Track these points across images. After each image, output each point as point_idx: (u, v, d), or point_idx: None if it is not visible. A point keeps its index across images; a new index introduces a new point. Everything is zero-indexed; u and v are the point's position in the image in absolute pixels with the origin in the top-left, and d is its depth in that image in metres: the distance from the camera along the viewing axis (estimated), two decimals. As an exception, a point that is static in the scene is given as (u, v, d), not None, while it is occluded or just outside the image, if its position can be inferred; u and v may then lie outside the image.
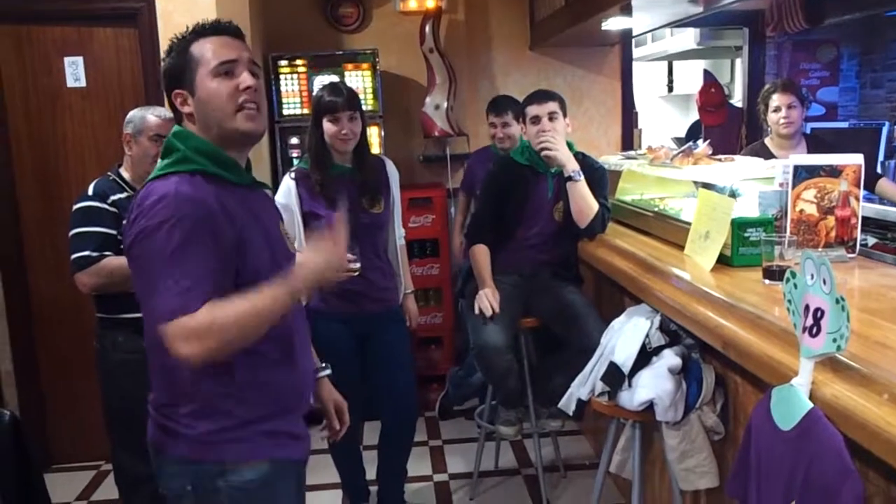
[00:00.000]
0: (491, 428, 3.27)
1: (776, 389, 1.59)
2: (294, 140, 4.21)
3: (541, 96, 3.02)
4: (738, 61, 6.04)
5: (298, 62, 4.27)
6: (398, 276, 3.00)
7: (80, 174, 3.49)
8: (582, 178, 2.92)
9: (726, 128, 5.66)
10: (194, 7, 3.31)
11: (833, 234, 2.34)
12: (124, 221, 2.41)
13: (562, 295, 3.04)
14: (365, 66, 4.29)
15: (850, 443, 1.38)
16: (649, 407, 2.22)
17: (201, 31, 1.57)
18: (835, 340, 1.43)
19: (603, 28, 3.92)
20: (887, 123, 4.72)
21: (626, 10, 3.45)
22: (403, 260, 3.06)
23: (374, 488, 3.15)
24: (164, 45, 3.35)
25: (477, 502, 3.36)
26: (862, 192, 2.36)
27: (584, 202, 2.93)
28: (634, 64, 5.09)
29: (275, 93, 4.21)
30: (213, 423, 1.52)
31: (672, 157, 3.09)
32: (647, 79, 7.36)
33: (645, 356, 2.27)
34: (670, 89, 7.56)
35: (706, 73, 6.25)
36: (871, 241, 2.55)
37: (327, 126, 2.72)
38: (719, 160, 2.93)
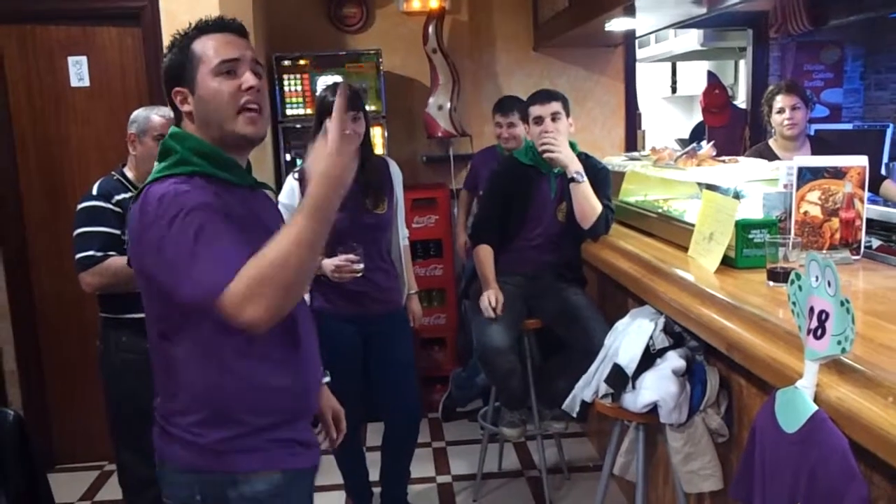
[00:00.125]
0: (494, 429, 3.27)
1: (781, 392, 1.59)
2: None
3: (543, 96, 3.01)
4: (742, 62, 6.03)
5: (301, 62, 4.27)
6: (401, 277, 3.00)
7: (84, 174, 3.50)
8: (585, 179, 2.91)
9: (730, 129, 5.66)
10: (197, 6, 3.30)
11: (837, 235, 2.33)
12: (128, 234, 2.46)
13: (565, 296, 3.04)
14: (368, 66, 4.29)
15: (854, 445, 1.38)
16: (653, 409, 2.22)
17: (204, 27, 1.52)
18: (839, 343, 1.42)
19: (606, 29, 3.91)
20: (891, 125, 4.71)
21: (630, 10, 3.45)
22: (407, 261, 3.06)
23: (377, 490, 3.14)
24: (167, 45, 3.40)
25: (480, 504, 3.36)
26: (866, 194, 2.35)
27: (587, 203, 2.93)
28: (638, 65, 5.08)
29: (278, 93, 4.21)
30: (224, 431, 1.47)
31: (676, 158, 3.08)
32: (650, 80, 7.36)
33: (649, 358, 2.27)
34: (674, 90, 7.55)
35: (710, 74, 6.25)
36: (876, 243, 2.54)
37: (331, 126, 2.72)
38: (723, 161, 2.92)
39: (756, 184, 2.59)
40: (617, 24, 3.83)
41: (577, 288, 3.11)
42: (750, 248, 2.33)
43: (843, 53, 5.40)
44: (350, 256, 2.63)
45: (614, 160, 3.67)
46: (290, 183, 2.81)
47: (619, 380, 2.29)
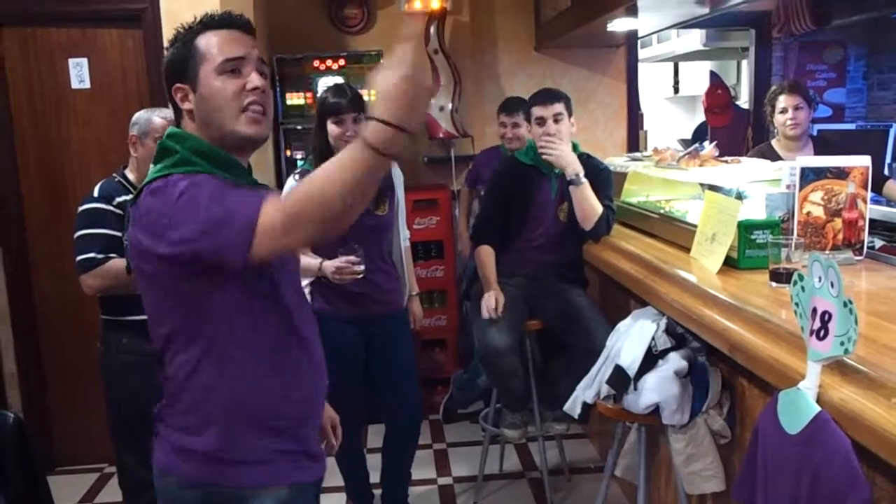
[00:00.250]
0: (495, 431, 3.26)
1: (783, 393, 1.58)
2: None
3: (546, 97, 3.00)
4: (745, 63, 6.02)
5: (302, 63, 4.26)
6: (402, 279, 2.99)
7: (85, 176, 3.50)
8: (584, 181, 2.90)
9: (732, 129, 5.65)
10: (199, 7, 3.27)
11: (840, 236, 2.32)
12: (128, 234, 2.45)
13: (567, 297, 3.03)
14: (370, 67, 4.28)
15: (857, 447, 1.37)
16: (655, 410, 2.21)
17: (209, 22, 1.46)
18: (842, 343, 1.41)
19: (609, 29, 3.91)
20: (895, 125, 4.69)
21: (632, 11, 3.44)
22: (408, 262, 3.06)
23: (378, 492, 3.13)
24: (170, 39, 3.40)
25: (481, 505, 3.35)
26: (869, 195, 2.34)
27: (587, 205, 2.92)
28: (640, 65, 5.08)
29: (279, 94, 4.21)
30: (231, 443, 1.43)
31: (678, 158, 3.07)
32: (652, 80, 7.34)
33: (651, 359, 2.26)
34: (676, 91, 7.54)
35: (712, 74, 6.24)
36: (879, 243, 2.53)
37: (331, 127, 2.72)
38: (726, 162, 2.91)
39: (759, 184, 2.58)
40: (619, 25, 3.83)
41: (578, 289, 3.10)
42: (752, 248, 2.32)
43: (845, 53, 5.38)
44: (351, 258, 2.63)
45: (616, 161, 3.66)
46: (291, 184, 2.81)
47: (621, 381, 2.28)
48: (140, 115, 2.56)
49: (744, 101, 5.95)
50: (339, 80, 4.04)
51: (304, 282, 2.62)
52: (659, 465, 2.72)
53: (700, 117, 6.62)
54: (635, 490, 2.48)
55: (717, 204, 2.49)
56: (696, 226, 2.61)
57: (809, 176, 2.31)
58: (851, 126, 5.18)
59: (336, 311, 2.78)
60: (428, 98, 1.26)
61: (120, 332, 2.52)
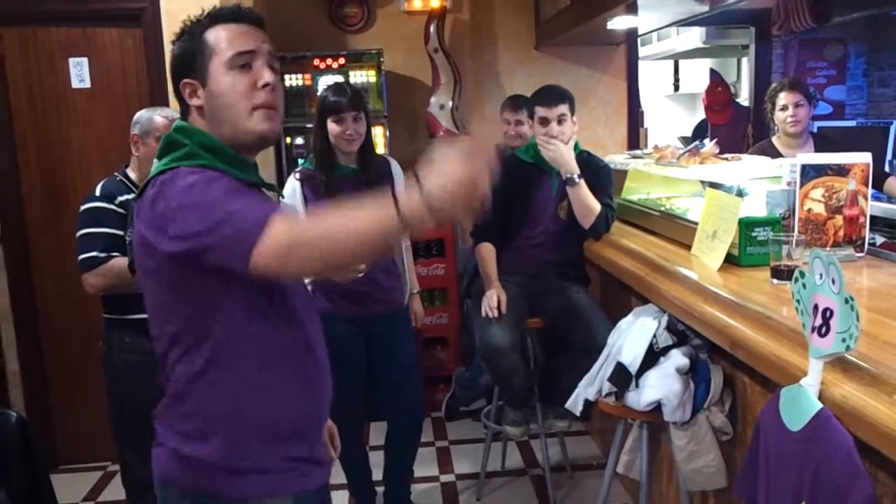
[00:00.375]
0: (497, 428, 3.26)
1: (785, 390, 1.58)
2: (299, 140, 4.21)
3: (550, 98, 2.97)
4: (745, 60, 6.01)
5: (303, 62, 4.26)
6: (403, 277, 2.99)
7: (86, 175, 3.50)
8: (581, 180, 2.90)
9: (733, 127, 5.65)
10: (199, 7, 3.30)
11: (841, 233, 2.32)
12: (129, 226, 2.45)
13: (568, 295, 3.03)
14: (370, 66, 4.28)
15: (859, 443, 1.37)
16: (657, 407, 2.21)
17: (218, 15, 1.42)
18: (844, 340, 1.41)
19: (608, 27, 3.91)
20: (895, 122, 4.69)
21: (632, 8, 3.44)
22: (409, 260, 3.06)
23: (380, 489, 3.14)
24: (168, 46, 3.39)
25: (483, 503, 3.35)
26: (870, 191, 2.34)
27: (585, 204, 2.92)
28: (640, 63, 5.08)
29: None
30: (235, 452, 1.39)
31: (678, 156, 3.07)
32: (653, 78, 7.33)
33: (652, 356, 2.26)
34: (676, 88, 7.53)
35: (712, 72, 6.23)
36: (880, 240, 2.54)
37: (332, 126, 2.72)
38: (726, 159, 2.91)
39: (759, 181, 2.58)
40: (619, 22, 3.83)
41: (579, 286, 3.10)
42: (753, 245, 2.32)
43: (846, 50, 5.39)
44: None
45: (617, 158, 3.67)
46: (292, 183, 2.81)
47: (623, 378, 2.28)
48: (142, 115, 2.57)
49: (744, 98, 5.95)
50: (339, 78, 4.04)
51: (305, 280, 2.62)
52: (661, 462, 2.72)
53: (700, 115, 6.62)
54: (637, 487, 2.48)
55: (717, 201, 2.49)
56: (696, 223, 2.61)
57: (810, 173, 2.31)
58: (852, 123, 5.18)
59: (337, 310, 2.78)
60: (475, 207, 1.23)
61: (122, 331, 2.53)
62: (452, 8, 4.61)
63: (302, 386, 1.47)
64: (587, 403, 2.49)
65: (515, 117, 3.74)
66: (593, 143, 4.37)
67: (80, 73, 3.57)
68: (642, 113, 5.20)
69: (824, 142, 3.61)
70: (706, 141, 3.15)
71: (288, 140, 4.25)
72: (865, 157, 2.31)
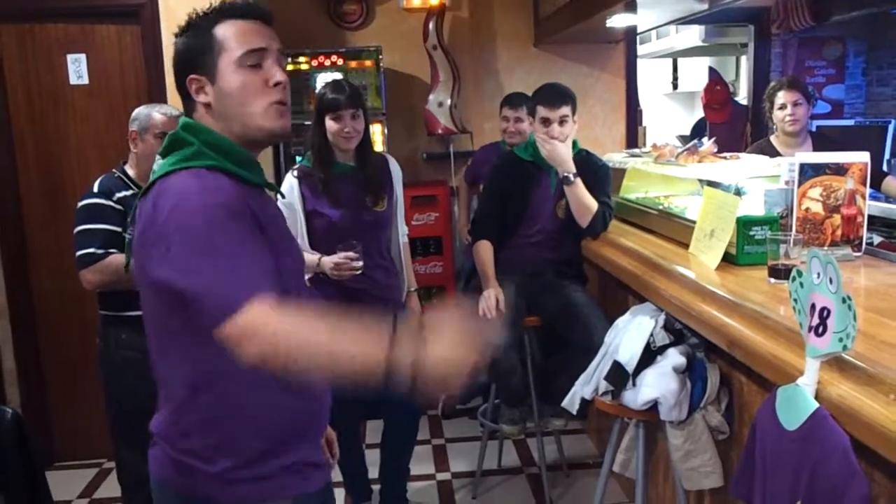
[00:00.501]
0: (494, 427, 3.26)
1: (781, 389, 1.58)
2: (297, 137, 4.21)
3: (553, 99, 2.94)
4: (744, 59, 6.01)
5: (301, 59, 4.26)
6: (401, 275, 2.99)
7: (83, 172, 3.50)
8: (577, 179, 2.89)
9: (731, 125, 5.65)
10: (197, 3, 3.29)
11: (839, 232, 2.32)
12: (130, 225, 2.44)
13: (565, 293, 3.03)
14: (368, 63, 4.28)
15: (855, 443, 1.37)
16: (653, 406, 2.21)
17: (228, 10, 1.39)
18: (841, 340, 1.41)
19: (607, 25, 3.90)
20: (893, 121, 4.68)
21: (631, 6, 3.44)
22: (406, 258, 3.05)
23: (376, 487, 3.14)
24: (166, 42, 3.40)
25: (480, 501, 3.35)
26: (868, 191, 2.34)
27: (582, 203, 2.91)
28: (639, 61, 5.07)
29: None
30: (234, 457, 1.36)
31: (677, 154, 3.07)
32: (651, 76, 7.33)
33: (649, 355, 2.26)
34: (675, 87, 7.53)
35: (711, 70, 6.23)
36: (877, 239, 2.54)
37: (330, 124, 2.71)
38: (724, 158, 2.91)
39: (757, 180, 2.58)
40: (618, 20, 3.82)
41: (577, 285, 3.10)
42: (751, 244, 2.32)
43: (844, 49, 5.38)
44: (349, 254, 2.62)
45: (615, 157, 3.66)
46: (290, 180, 2.80)
47: (620, 377, 2.28)
48: (140, 111, 2.56)
49: (742, 97, 5.95)
50: (338, 76, 4.03)
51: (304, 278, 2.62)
52: (657, 461, 2.72)
53: (699, 113, 6.62)
54: (633, 486, 2.48)
55: (715, 200, 2.49)
56: (694, 222, 2.61)
57: (808, 172, 2.31)
58: (850, 122, 5.17)
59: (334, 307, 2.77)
60: (458, 385, 1.21)
61: (119, 328, 2.52)
62: (451, 5, 4.61)
63: (305, 393, 1.44)
64: (584, 402, 2.49)
65: (515, 114, 3.74)
66: (592, 142, 4.37)
67: (78, 69, 3.57)
68: (641, 111, 5.20)
69: (823, 141, 3.61)
70: (704, 139, 3.14)
71: (286, 137, 4.24)
72: (864, 157, 2.31)
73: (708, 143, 3.03)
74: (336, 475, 3.12)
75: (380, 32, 4.62)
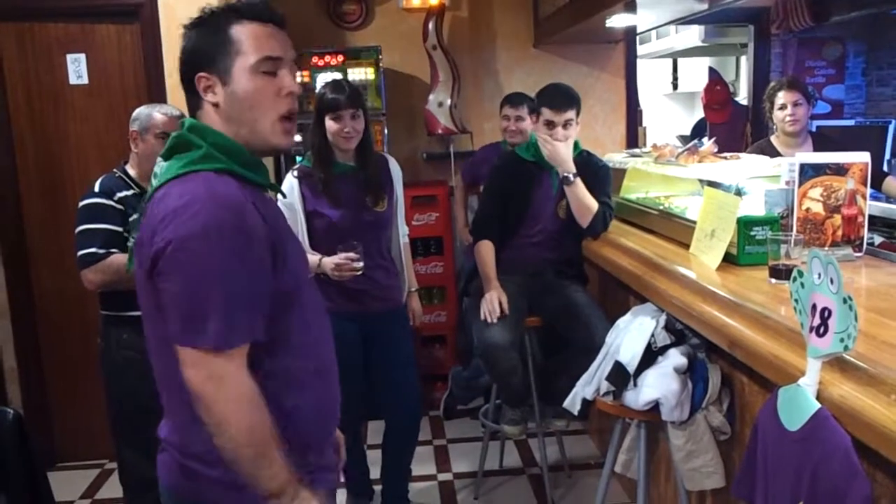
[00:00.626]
0: (495, 427, 3.26)
1: (783, 389, 1.58)
2: (297, 138, 4.20)
3: (559, 102, 2.92)
4: (744, 59, 6.01)
5: (301, 59, 4.25)
6: (402, 275, 2.99)
7: (83, 171, 3.49)
8: (577, 179, 2.89)
9: (731, 126, 5.65)
10: (197, 2, 3.28)
11: (840, 232, 2.32)
12: (131, 219, 2.44)
13: (566, 294, 3.03)
14: (368, 63, 4.27)
15: (857, 443, 1.37)
16: (655, 407, 2.21)
17: (246, 11, 1.36)
18: (842, 340, 1.41)
19: (607, 25, 3.90)
20: (894, 121, 4.68)
21: (631, 7, 3.44)
22: (407, 258, 3.05)
23: (378, 488, 3.14)
24: (166, 41, 3.40)
25: (481, 502, 3.35)
26: (868, 191, 2.34)
27: (582, 203, 2.91)
28: (639, 61, 5.07)
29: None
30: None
31: (677, 155, 3.07)
32: (651, 76, 7.33)
33: (650, 355, 2.26)
34: (675, 87, 7.53)
35: (711, 70, 6.23)
36: (878, 239, 2.54)
37: (330, 124, 2.71)
38: (725, 158, 2.91)
39: (758, 180, 2.58)
40: (618, 21, 3.82)
41: (578, 285, 3.10)
42: (752, 245, 2.32)
43: (844, 49, 5.38)
44: (350, 255, 2.62)
45: (615, 157, 3.66)
46: (290, 181, 2.80)
47: (621, 377, 2.28)
48: (141, 111, 2.56)
49: (742, 97, 5.95)
50: (338, 76, 4.03)
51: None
52: (659, 462, 2.72)
53: (699, 113, 6.61)
54: (635, 486, 2.48)
55: (716, 200, 2.49)
56: (695, 222, 2.61)
57: (809, 172, 2.31)
58: (850, 122, 5.18)
59: (335, 308, 2.76)
60: None
61: (120, 328, 2.52)
62: (451, 5, 4.60)
63: (316, 398, 1.45)
64: (585, 402, 2.49)
65: (516, 113, 3.74)
66: (592, 142, 4.37)
67: (77, 69, 3.57)
68: (641, 111, 5.19)
69: (823, 141, 3.61)
70: (705, 140, 3.14)
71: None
72: (864, 157, 2.31)
73: (708, 144, 3.03)
74: (337, 475, 3.13)
75: (379, 32, 4.61)
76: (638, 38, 5.03)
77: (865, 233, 2.34)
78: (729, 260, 2.36)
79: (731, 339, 1.92)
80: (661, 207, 3.16)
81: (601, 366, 2.43)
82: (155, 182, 1.40)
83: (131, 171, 2.60)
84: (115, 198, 2.51)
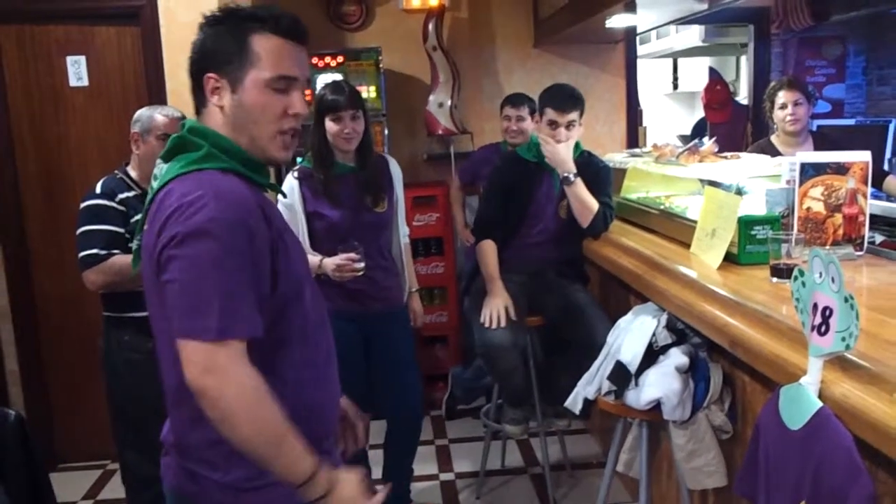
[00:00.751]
0: (497, 427, 3.26)
1: (784, 388, 1.58)
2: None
3: (563, 103, 2.91)
4: (744, 58, 6.01)
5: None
6: (402, 275, 2.99)
7: (84, 174, 3.49)
8: (577, 179, 2.89)
9: (732, 125, 5.65)
10: (197, 4, 3.29)
11: (840, 231, 2.32)
12: (133, 220, 2.45)
13: (568, 293, 3.03)
14: (368, 64, 4.28)
15: (859, 442, 1.37)
16: (656, 406, 2.21)
17: (271, 23, 1.34)
18: (844, 339, 1.41)
19: (607, 25, 3.90)
20: (894, 120, 4.69)
21: (631, 7, 3.44)
22: (407, 258, 3.06)
23: (379, 487, 3.13)
24: (166, 43, 3.40)
25: (483, 501, 3.35)
26: (869, 190, 2.34)
27: (582, 203, 2.91)
28: (639, 61, 5.07)
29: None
30: (246, 466, 1.31)
31: (677, 154, 3.07)
32: (652, 76, 7.33)
33: (652, 355, 2.26)
34: (675, 87, 7.53)
35: (711, 70, 6.23)
36: (879, 238, 2.53)
37: (330, 125, 2.71)
38: (725, 158, 2.91)
39: (758, 180, 2.58)
40: (618, 21, 3.82)
41: (579, 285, 3.10)
42: (753, 244, 2.32)
43: (845, 49, 5.38)
44: (351, 255, 2.63)
45: (616, 157, 3.66)
46: (290, 182, 2.81)
47: (622, 377, 2.28)
48: (142, 113, 2.57)
49: (743, 97, 5.95)
50: (338, 77, 4.03)
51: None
52: (660, 461, 2.72)
53: (699, 113, 6.62)
54: (637, 485, 2.48)
55: (716, 200, 2.49)
56: (695, 221, 2.61)
57: (809, 171, 2.31)
58: (851, 121, 5.18)
59: (336, 308, 2.77)
60: None
61: (122, 329, 2.53)
62: (451, 6, 4.61)
63: (314, 398, 1.45)
64: (586, 402, 2.49)
65: (517, 113, 3.73)
66: (592, 142, 4.37)
67: (77, 71, 3.57)
68: (641, 111, 5.20)
69: (823, 140, 3.62)
70: (705, 139, 3.14)
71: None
72: (865, 156, 2.31)
73: (708, 143, 3.03)
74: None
75: (379, 33, 4.62)
76: (638, 38, 5.03)
77: (866, 232, 2.34)
78: (730, 259, 2.36)
79: (733, 339, 1.92)
80: (661, 207, 3.16)
81: (602, 365, 2.43)
82: (155, 184, 1.40)
83: (132, 173, 2.60)
84: (117, 199, 2.51)
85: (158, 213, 1.30)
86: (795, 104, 3.50)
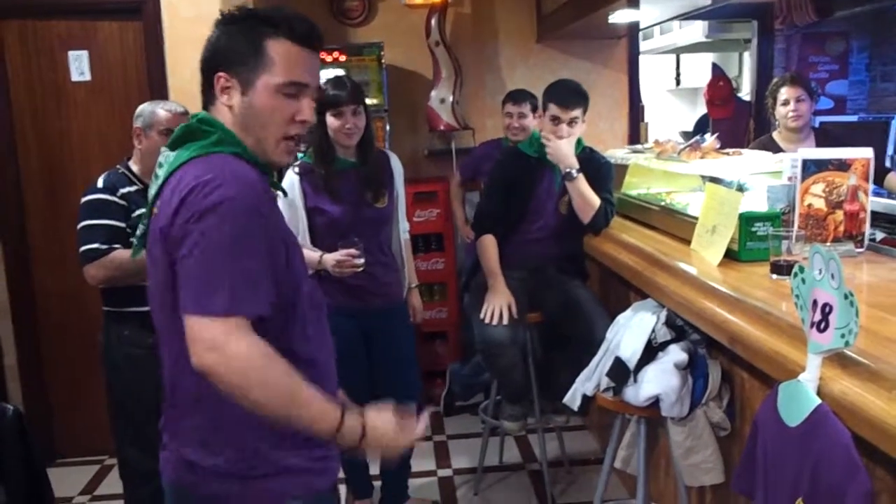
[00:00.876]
0: (495, 423, 3.26)
1: (783, 385, 1.58)
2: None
3: (566, 99, 2.90)
4: (747, 54, 6.00)
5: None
6: (402, 271, 2.99)
7: (85, 168, 3.49)
8: (579, 175, 2.88)
9: (734, 121, 5.64)
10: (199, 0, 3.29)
11: (841, 228, 2.31)
12: (134, 214, 2.44)
13: (567, 289, 3.02)
14: (370, 59, 4.27)
15: (857, 439, 1.37)
16: (655, 402, 2.21)
17: (288, 29, 1.34)
18: (843, 336, 1.41)
19: (610, 21, 3.89)
20: (897, 117, 4.67)
21: (634, 2, 3.43)
22: (408, 254, 3.05)
23: (377, 483, 3.14)
24: (168, 38, 3.40)
25: (481, 498, 3.35)
26: (871, 187, 2.33)
27: (583, 199, 2.90)
28: (642, 57, 5.06)
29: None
30: (247, 455, 1.34)
31: (679, 150, 3.06)
32: (654, 72, 7.32)
33: (651, 351, 2.26)
34: (678, 83, 7.52)
35: (714, 66, 6.22)
36: (880, 235, 2.53)
37: (331, 120, 2.71)
38: (727, 154, 2.90)
39: (760, 176, 2.58)
40: (620, 16, 3.81)
41: (579, 281, 3.10)
42: (753, 240, 2.32)
43: (848, 45, 5.36)
44: (351, 251, 2.62)
45: (617, 153, 3.66)
46: (291, 177, 2.80)
47: (621, 373, 2.28)
48: (144, 108, 2.57)
49: (745, 93, 5.94)
50: (340, 72, 4.03)
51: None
52: (658, 457, 2.72)
53: (701, 109, 6.60)
54: (635, 482, 2.48)
55: (718, 196, 2.48)
56: (696, 218, 2.61)
57: (811, 168, 2.30)
58: (853, 118, 5.16)
59: (335, 304, 2.77)
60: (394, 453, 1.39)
61: (121, 324, 2.52)
62: (454, 1, 4.60)
63: (317, 379, 1.42)
64: (585, 398, 2.49)
65: (518, 109, 3.73)
66: (594, 138, 4.35)
67: (79, 66, 3.57)
68: (643, 107, 5.19)
69: (825, 137, 3.61)
70: (707, 136, 3.13)
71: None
72: (867, 153, 2.30)
73: (710, 139, 3.02)
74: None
75: (382, 29, 4.61)
76: (641, 33, 5.02)
77: (867, 229, 2.33)
78: (730, 256, 2.35)
79: (732, 335, 1.92)
80: (662, 203, 3.15)
81: (601, 361, 2.43)
82: (161, 171, 1.39)
83: (134, 168, 2.60)
84: (119, 193, 2.51)
85: (173, 195, 1.30)
86: (798, 100, 3.49)
